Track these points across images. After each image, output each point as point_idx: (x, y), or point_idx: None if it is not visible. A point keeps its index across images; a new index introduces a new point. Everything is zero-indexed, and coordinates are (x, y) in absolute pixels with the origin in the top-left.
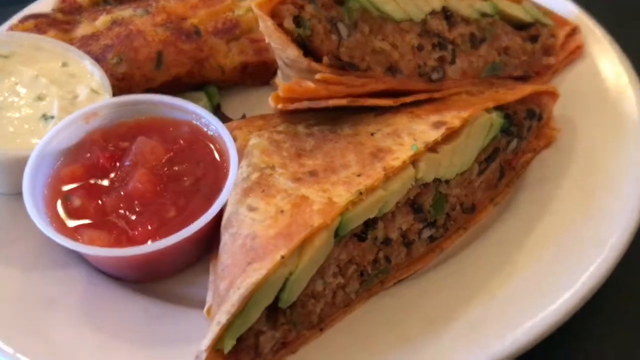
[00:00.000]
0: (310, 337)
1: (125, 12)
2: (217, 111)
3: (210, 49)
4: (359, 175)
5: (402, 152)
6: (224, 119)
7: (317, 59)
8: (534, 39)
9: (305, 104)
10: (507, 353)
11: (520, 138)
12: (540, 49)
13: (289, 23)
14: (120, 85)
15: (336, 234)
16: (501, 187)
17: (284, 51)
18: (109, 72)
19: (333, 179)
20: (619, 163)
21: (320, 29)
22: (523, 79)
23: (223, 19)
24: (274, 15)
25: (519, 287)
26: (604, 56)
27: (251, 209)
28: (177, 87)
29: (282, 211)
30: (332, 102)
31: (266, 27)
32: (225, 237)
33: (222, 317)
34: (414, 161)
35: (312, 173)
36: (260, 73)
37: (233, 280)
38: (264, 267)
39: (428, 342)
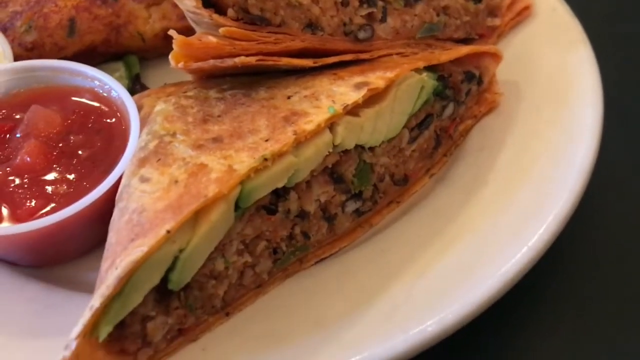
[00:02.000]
0: (214, 323)
1: None
2: (136, 82)
3: (129, 15)
4: (266, 141)
5: (317, 115)
6: (143, 89)
7: (223, 11)
8: None
9: (210, 63)
10: (430, 338)
11: (458, 103)
12: (485, 9)
13: None
14: (30, 55)
15: (237, 206)
16: (437, 156)
17: (181, 1)
18: (17, 41)
19: (238, 145)
20: (563, 131)
21: None
22: (465, 41)
23: None
24: None
25: (449, 264)
26: (554, 17)
27: (143, 180)
28: (93, 56)
29: (176, 181)
30: (239, 60)
31: None
32: (115, 212)
33: (95, 301)
34: (331, 125)
35: (216, 139)
36: None
37: (114, 259)
38: (146, 243)
39: (345, 327)
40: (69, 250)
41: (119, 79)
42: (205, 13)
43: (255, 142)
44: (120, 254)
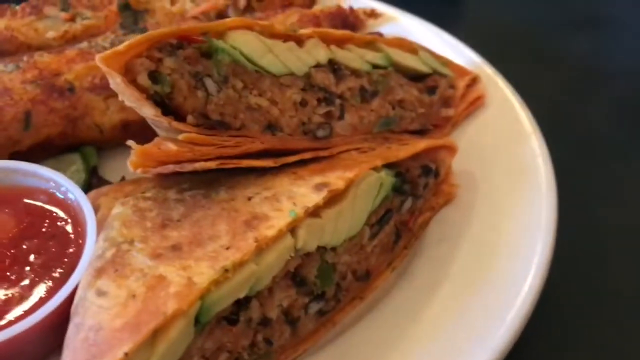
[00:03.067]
0: None
1: None
2: (93, 174)
3: (85, 107)
4: (227, 249)
5: (279, 219)
6: (102, 182)
7: (182, 117)
8: (431, 90)
9: (170, 168)
10: None
11: (416, 197)
12: (439, 101)
13: (143, 79)
14: None
15: (197, 320)
16: (398, 250)
17: (140, 110)
18: None
19: (198, 253)
20: (520, 222)
21: (183, 84)
22: (421, 132)
23: (102, 74)
24: (128, 69)
25: None
26: (505, 106)
27: (100, 293)
28: (49, 148)
29: (134, 296)
30: (199, 165)
31: (116, 84)
32: (70, 329)
33: None
34: (292, 229)
35: (175, 247)
36: (144, 132)
37: None
38: None
39: None
40: None
41: (75, 172)
42: (164, 120)
43: (216, 251)
44: None
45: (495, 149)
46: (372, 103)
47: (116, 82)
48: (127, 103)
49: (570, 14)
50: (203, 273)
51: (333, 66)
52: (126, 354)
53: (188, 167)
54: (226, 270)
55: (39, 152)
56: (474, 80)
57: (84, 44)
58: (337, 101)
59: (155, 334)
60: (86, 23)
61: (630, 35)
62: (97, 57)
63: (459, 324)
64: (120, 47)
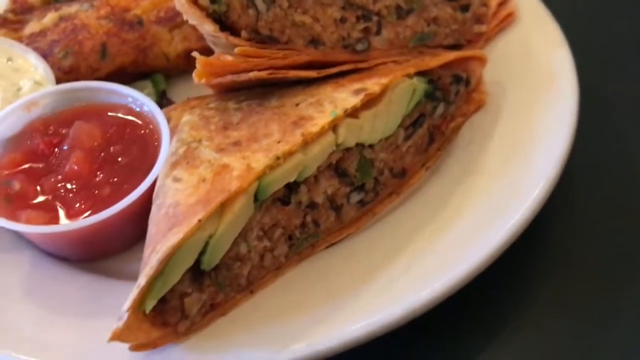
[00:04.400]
0: (241, 300)
1: (72, 8)
2: (163, 97)
3: (153, 38)
4: (278, 142)
5: (322, 119)
6: (170, 103)
7: (237, 33)
8: (464, 8)
9: (228, 78)
10: (423, 304)
11: (447, 103)
12: (472, 18)
13: (203, 0)
14: (68, 78)
15: (256, 198)
16: (432, 151)
17: (202, 27)
18: (56, 65)
19: (254, 147)
20: (542, 123)
21: (237, 3)
22: (455, 47)
23: (165, 8)
24: None
25: (440, 244)
26: (535, 22)
27: (176, 179)
28: (123, 76)
29: (204, 180)
30: (253, 75)
31: (181, 5)
32: (153, 209)
33: (141, 280)
34: (334, 127)
35: (236, 143)
36: None
37: (155, 246)
38: (182, 230)
39: (350, 298)
40: (114, 245)
41: (147, 95)
42: (222, 36)
43: (269, 144)
44: (160, 241)
45: (524, 60)
46: (408, 20)
47: (181, 2)
48: (190, 21)
49: None
50: (259, 160)
51: None
52: (199, 221)
53: (244, 76)
54: (278, 158)
55: (116, 80)
56: None
57: None
58: (375, 18)
59: (223, 207)
60: None
61: None
62: None
63: (480, 209)
64: None
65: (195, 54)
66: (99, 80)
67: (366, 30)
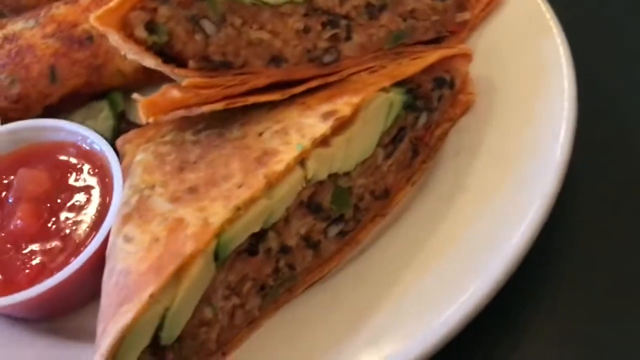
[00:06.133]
0: None
1: (17, 25)
2: (121, 119)
3: (106, 54)
4: (239, 187)
5: (287, 153)
6: (130, 125)
7: (184, 63)
8: None
9: (180, 113)
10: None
11: (430, 111)
12: (453, 5)
13: (140, 32)
14: (18, 107)
15: (217, 256)
16: (417, 165)
17: (142, 61)
18: (3, 94)
19: (213, 193)
20: (538, 127)
21: (181, 30)
22: (436, 41)
23: None
24: (124, 24)
25: (430, 281)
26: (524, 4)
27: (127, 239)
28: (79, 98)
29: (157, 239)
30: (206, 109)
31: (114, 40)
32: (105, 273)
33: None
34: (302, 160)
35: (192, 189)
36: None
37: (105, 325)
38: (132, 309)
39: (334, 357)
40: (73, 303)
41: (104, 119)
42: (167, 69)
43: (229, 189)
44: (111, 320)
45: (514, 48)
46: (381, 18)
47: (114, 39)
48: (129, 56)
49: None
50: (217, 213)
51: None
52: (151, 296)
53: (196, 111)
54: (238, 209)
55: (71, 103)
56: None
57: None
58: (343, 22)
59: (178, 274)
60: None
61: None
62: (91, 17)
63: (477, 231)
64: (112, 3)
65: (135, 96)
66: (52, 105)
67: (334, 38)
